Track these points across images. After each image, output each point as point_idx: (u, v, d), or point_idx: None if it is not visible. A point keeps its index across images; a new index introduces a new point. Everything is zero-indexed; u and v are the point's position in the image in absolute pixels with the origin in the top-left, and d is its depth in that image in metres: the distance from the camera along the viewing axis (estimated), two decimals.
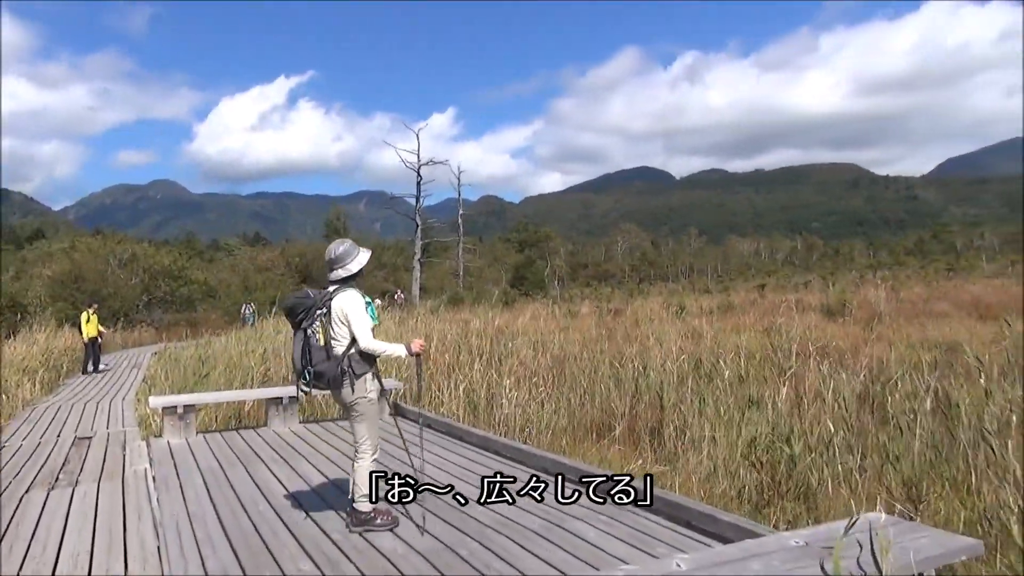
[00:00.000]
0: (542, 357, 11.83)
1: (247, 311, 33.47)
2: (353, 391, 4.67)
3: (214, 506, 5.28)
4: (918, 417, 6.32)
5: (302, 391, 4.81)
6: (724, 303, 28.68)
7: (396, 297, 43.12)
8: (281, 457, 6.92)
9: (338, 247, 4.84)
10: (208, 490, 5.74)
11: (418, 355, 4.89)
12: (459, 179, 62.52)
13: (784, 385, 8.16)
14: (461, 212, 63.60)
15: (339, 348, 4.70)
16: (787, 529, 4.53)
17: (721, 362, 9.70)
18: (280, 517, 4.96)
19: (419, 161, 50.91)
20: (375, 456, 4.82)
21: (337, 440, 7.66)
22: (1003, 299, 22.11)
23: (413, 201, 49.84)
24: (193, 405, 8.25)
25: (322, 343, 4.67)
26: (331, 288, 4.84)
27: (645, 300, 36.19)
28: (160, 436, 8.08)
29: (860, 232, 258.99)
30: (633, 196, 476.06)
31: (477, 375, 10.07)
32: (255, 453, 7.14)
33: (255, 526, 4.78)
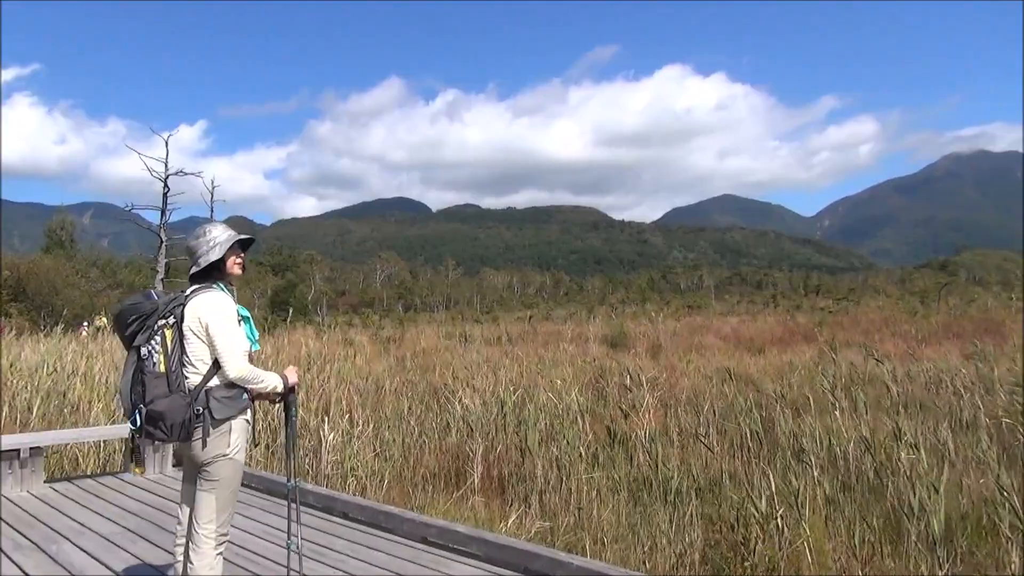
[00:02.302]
0: (345, 390, 10.27)
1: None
2: (207, 445, 3.11)
3: None
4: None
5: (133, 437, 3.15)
6: (501, 333, 28.54)
7: None
8: (30, 540, 4.81)
9: (192, 235, 3.31)
10: None
11: (292, 390, 3.42)
12: (212, 193, 57.63)
13: (645, 418, 7.50)
14: None
15: (193, 378, 3.12)
16: None
17: (561, 395, 8.87)
18: None
19: (167, 171, 45.98)
20: (222, 548, 3.22)
21: (117, 511, 5.62)
22: (755, 333, 24.15)
23: (156, 214, 44.67)
24: None
25: (162, 370, 3.05)
26: (186, 291, 3.22)
27: (416, 328, 35.26)
28: None
29: (599, 269, 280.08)
30: (391, 225, 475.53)
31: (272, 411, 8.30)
32: None
33: None
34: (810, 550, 4.15)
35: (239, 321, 3.23)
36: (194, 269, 3.30)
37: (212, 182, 52.07)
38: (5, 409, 8.90)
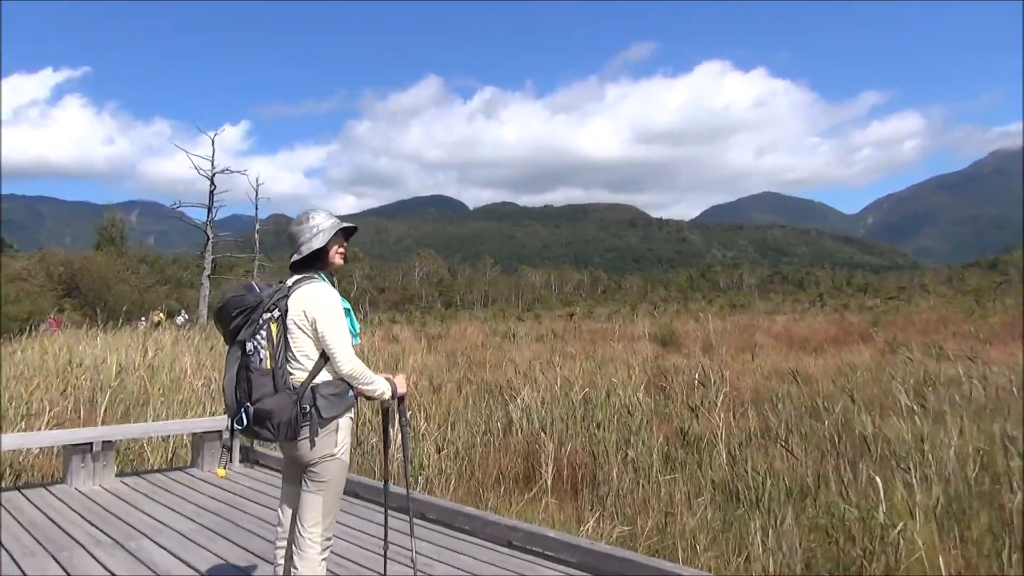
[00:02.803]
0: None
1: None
2: (315, 445, 2.97)
3: None
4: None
5: (233, 435, 3.04)
6: (544, 330, 28.34)
7: (178, 318, 37.96)
8: (109, 536, 4.74)
9: (295, 223, 3.19)
10: None
11: (402, 399, 3.29)
12: (257, 191, 58.52)
13: (718, 418, 7.22)
14: (258, 227, 59.59)
15: (298, 374, 2.98)
16: None
17: (627, 394, 8.63)
18: None
19: (213, 168, 46.61)
20: (327, 552, 3.08)
21: (192, 508, 5.56)
22: (807, 332, 23.58)
23: (203, 212, 45.24)
24: None
25: (268, 366, 2.91)
26: (288, 281, 3.07)
27: (459, 324, 35.18)
28: None
29: (637, 268, 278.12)
30: (428, 223, 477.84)
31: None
32: (60, 528, 4.89)
33: None
34: (927, 563, 3.88)
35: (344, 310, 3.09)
36: (296, 257, 3.15)
37: (257, 180, 52.85)
38: (70, 402, 8.95)
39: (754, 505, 5.19)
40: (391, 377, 3.24)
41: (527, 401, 8.68)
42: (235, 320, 2.98)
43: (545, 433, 7.07)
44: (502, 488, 6.52)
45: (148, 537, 4.72)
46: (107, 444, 6.27)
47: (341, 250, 3.24)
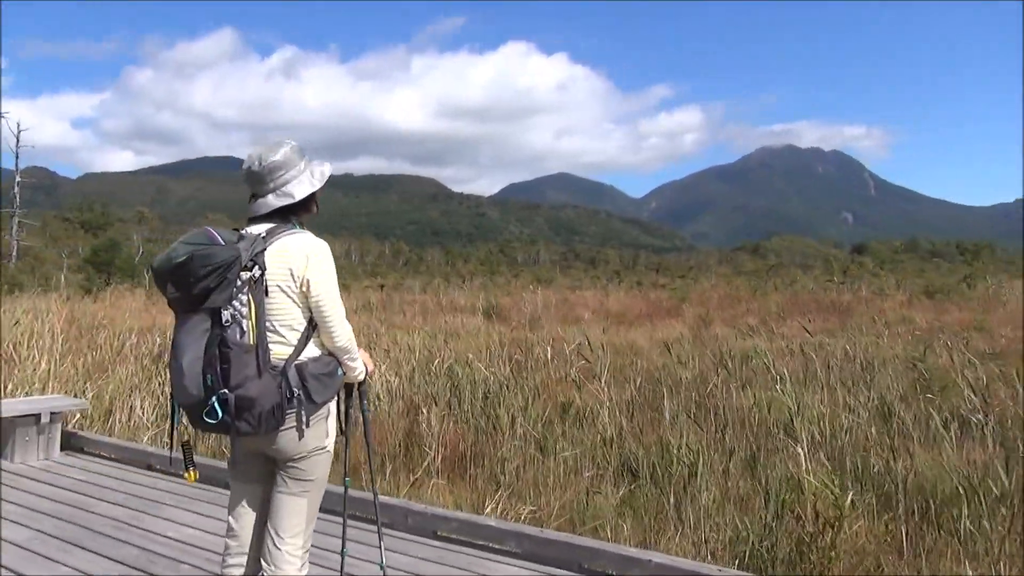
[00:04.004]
0: None
1: None
2: (304, 436, 2.39)
3: None
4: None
5: (174, 429, 2.35)
6: (357, 302, 27.42)
7: None
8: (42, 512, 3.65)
9: (271, 152, 2.48)
10: None
11: (365, 379, 2.74)
12: (18, 139, 51.75)
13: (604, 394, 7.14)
14: (19, 180, 52.75)
15: (279, 350, 2.36)
16: None
17: (495, 369, 8.33)
18: None
19: None
20: (307, 568, 2.50)
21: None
22: (620, 308, 24.70)
23: None
24: None
25: (252, 340, 2.27)
26: (258, 229, 2.42)
27: None
28: None
29: (437, 241, 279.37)
30: (217, 185, 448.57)
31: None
32: None
33: None
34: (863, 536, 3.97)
35: None
36: (285, 201, 2.48)
37: (18, 125, 46.49)
38: None
39: (662, 480, 5.10)
40: (363, 354, 2.68)
41: (388, 376, 8.14)
42: (204, 280, 2.24)
43: (425, 408, 6.59)
44: (389, 470, 5.97)
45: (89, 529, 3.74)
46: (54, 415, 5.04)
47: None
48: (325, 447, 2.50)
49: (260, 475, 2.54)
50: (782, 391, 6.86)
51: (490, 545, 3.84)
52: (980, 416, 6.57)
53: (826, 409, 6.16)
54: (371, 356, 2.83)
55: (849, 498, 3.95)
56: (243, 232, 2.44)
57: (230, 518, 2.56)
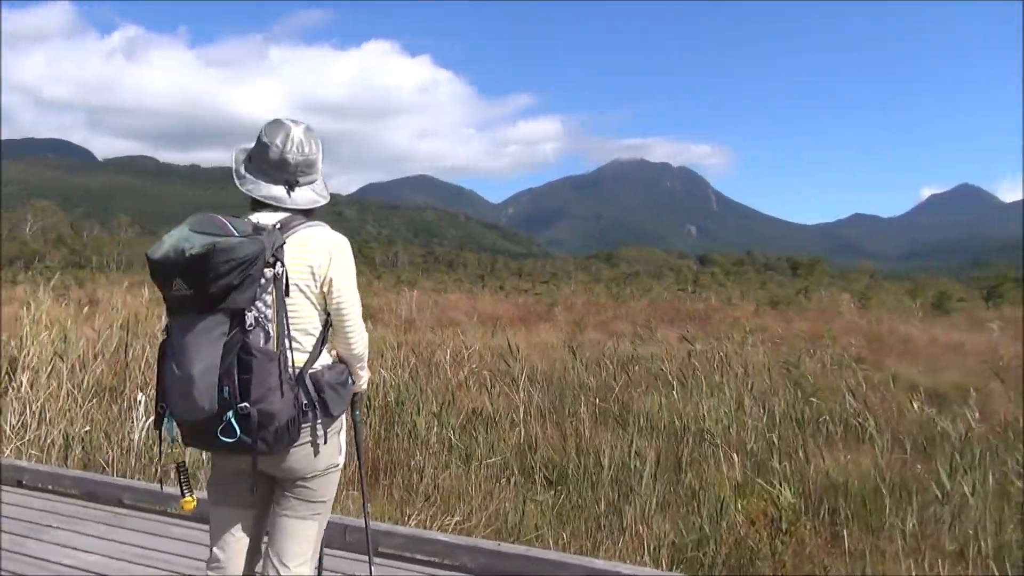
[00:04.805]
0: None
1: None
2: (319, 453, 2.15)
3: None
4: None
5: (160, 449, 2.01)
6: None
7: None
8: None
9: (311, 143, 2.23)
10: None
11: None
12: None
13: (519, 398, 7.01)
14: None
15: (296, 356, 2.09)
16: None
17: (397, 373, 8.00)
18: None
19: None
20: None
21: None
22: (493, 311, 24.76)
23: None
24: None
25: (275, 347, 2.01)
26: (267, 218, 2.16)
27: (101, 288, 30.62)
28: None
29: None
30: (44, 170, 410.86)
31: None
32: None
33: None
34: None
35: None
36: (318, 202, 2.26)
37: None
38: None
39: (586, 486, 5.04)
40: None
41: None
42: (226, 277, 1.90)
43: None
44: None
45: None
46: None
47: None
48: (338, 464, 2.26)
49: (253, 497, 2.21)
50: (679, 396, 7.04)
51: (441, 561, 3.60)
52: (861, 419, 7.04)
53: (732, 414, 6.34)
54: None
55: (787, 499, 4.03)
56: (255, 222, 2.11)
57: (215, 549, 2.20)
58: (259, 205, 2.22)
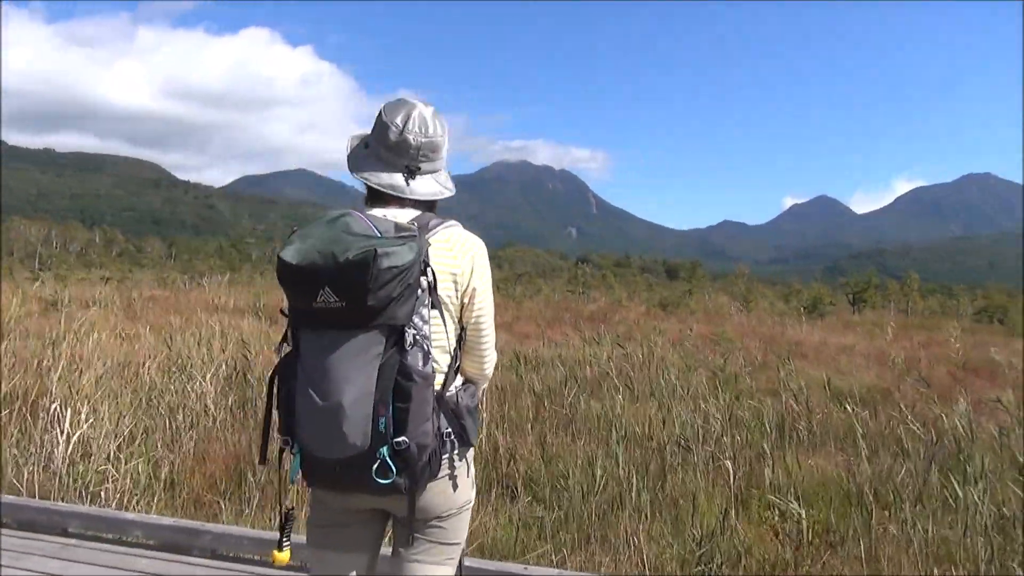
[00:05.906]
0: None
1: None
2: (458, 488, 1.85)
3: None
4: None
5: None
6: (93, 297, 23.88)
7: None
8: None
9: (437, 123, 1.87)
10: None
11: None
12: None
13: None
14: None
15: (437, 377, 1.78)
16: None
17: None
18: None
19: None
20: None
21: None
22: None
23: None
24: None
25: (433, 370, 1.72)
26: (395, 215, 1.80)
27: None
28: None
29: (157, 231, 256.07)
30: None
31: None
32: None
33: None
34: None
35: None
36: (443, 193, 1.94)
37: None
38: None
39: (585, 498, 4.84)
40: None
41: (203, 385, 7.04)
42: (387, 287, 1.58)
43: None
44: (227, 498, 4.99)
45: None
46: None
47: None
48: (471, 500, 1.93)
49: (369, 540, 1.91)
50: (628, 401, 6.99)
51: None
52: (806, 423, 7.21)
53: (689, 419, 6.30)
54: None
55: (795, 510, 3.98)
56: (395, 221, 1.74)
57: None
58: (375, 199, 1.87)
